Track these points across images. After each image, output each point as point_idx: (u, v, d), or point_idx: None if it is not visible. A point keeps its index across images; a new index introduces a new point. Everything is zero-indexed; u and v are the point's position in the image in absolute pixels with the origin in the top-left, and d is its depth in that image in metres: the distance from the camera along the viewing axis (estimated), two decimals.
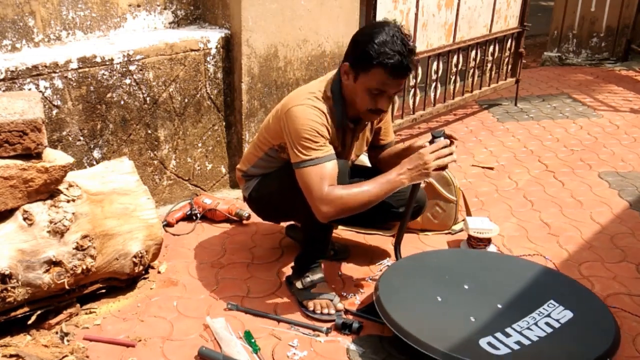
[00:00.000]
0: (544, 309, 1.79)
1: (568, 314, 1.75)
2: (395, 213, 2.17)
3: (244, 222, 2.64)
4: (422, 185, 2.48)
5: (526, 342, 1.67)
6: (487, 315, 1.80)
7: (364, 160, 2.31)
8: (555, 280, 1.99)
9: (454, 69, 3.79)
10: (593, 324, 1.73)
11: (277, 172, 2.03)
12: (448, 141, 1.82)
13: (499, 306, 1.83)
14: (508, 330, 1.72)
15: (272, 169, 2.06)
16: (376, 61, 1.75)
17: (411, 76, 3.44)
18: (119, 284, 2.10)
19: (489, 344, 1.66)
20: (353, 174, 2.16)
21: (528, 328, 1.72)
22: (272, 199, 2.06)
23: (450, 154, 1.80)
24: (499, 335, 1.70)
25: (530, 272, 2.03)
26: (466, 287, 1.95)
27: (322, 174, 1.76)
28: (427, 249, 2.39)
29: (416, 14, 3.26)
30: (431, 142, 1.86)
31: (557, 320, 1.74)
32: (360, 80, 1.81)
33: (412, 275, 2.05)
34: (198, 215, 2.66)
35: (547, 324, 1.73)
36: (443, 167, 1.83)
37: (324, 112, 1.84)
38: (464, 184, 3.06)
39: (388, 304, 1.82)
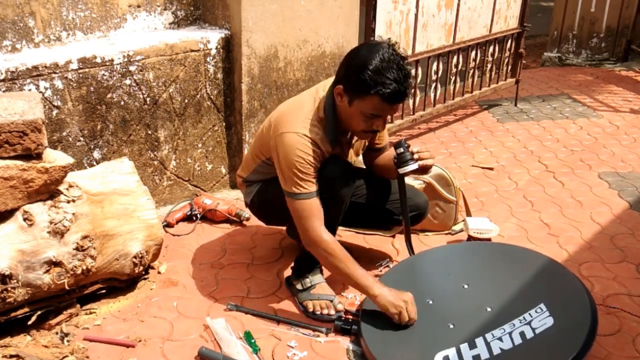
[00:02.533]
0: (529, 314, 1.75)
1: (549, 322, 1.70)
2: (398, 220, 2.18)
3: (244, 222, 2.64)
4: (422, 185, 2.49)
5: (485, 355, 1.64)
6: (467, 322, 1.78)
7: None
8: (555, 278, 1.94)
9: (454, 70, 3.79)
10: (565, 337, 1.66)
11: (277, 179, 2.03)
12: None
13: (488, 309, 1.81)
14: (477, 340, 1.70)
15: (270, 175, 2.06)
16: (373, 90, 1.71)
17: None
18: (119, 284, 2.10)
19: (445, 358, 1.66)
20: None
21: (499, 338, 1.69)
22: (274, 204, 2.05)
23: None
24: (463, 346, 1.68)
25: (537, 269, 1.97)
26: (465, 286, 1.94)
27: (312, 210, 1.84)
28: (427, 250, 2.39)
29: (416, 15, 3.27)
30: (396, 150, 1.93)
31: (534, 330, 1.69)
32: (355, 104, 1.78)
33: (411, 278, 2.06)
34: (198, 215, 2.66)
35: (522, 333, 1.69)
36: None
37: (315, 142, 1.83)
38: (464, 184, 3.07)
39: (366, 322, 1.87)
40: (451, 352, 1.68)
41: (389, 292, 1.82)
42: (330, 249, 1.84)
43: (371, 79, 1.70)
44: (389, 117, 3.34)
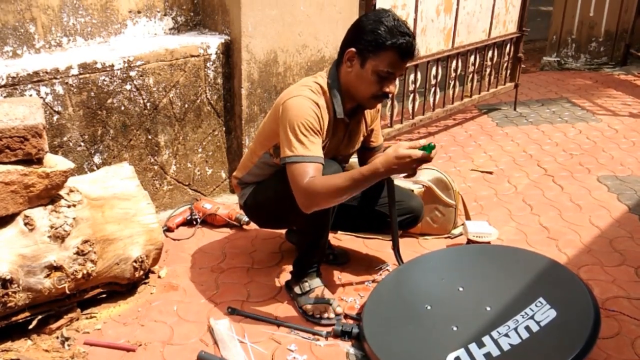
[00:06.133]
0: (530, 309, 1.77)
1: (551, 314, 1.73)
2: (390, 223, 2.18)
3: (244, 226, 2.65)
4: (421, 190, 2.49)
5: (496, 352, 1.66)
6: (470, 322, 1.79)
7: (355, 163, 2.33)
8: (549, 272, 1.97)
9: (453, 74, 3.80)
10: (572, 324, 1.70)
11: (271, 179, 2.04)
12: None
13: (488, 309, 1.82)
14: (484, 339, 1.71)
15: (264, 176, 2.07)
16: (389, 42, 1.79)
17: (410, 81, 3.46)
18: (120, 288, 2.11)
19: (456, 359, 1.66)
20: None
21: (506, 335, 1.71)
22: (267, 205, 2.07)
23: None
24: (472, 346, 1.69)
25: (528, 265, 2.01)
26: (460, 289, 1.95)
27: (307, 171, 1.76)
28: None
29: (415, 19, 3.28)
30: None
31: (538, 323, 1.72)
32: (369, 64, 1.83)
33: (405, 285, 2.07)
34: (198, 220, 2.66)
35: (527, 327, 1.71)
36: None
37: (318, 105, 1.86)
38: (463, 188, 3.07)
39: (368, 328, 1.86)
40: (461, 352, 1.68)
41: (386, 158, 1.68)
42: (319, 186, 1.72)
43: (387, 33, 1.79)
44: (388, 119, 3.38)
